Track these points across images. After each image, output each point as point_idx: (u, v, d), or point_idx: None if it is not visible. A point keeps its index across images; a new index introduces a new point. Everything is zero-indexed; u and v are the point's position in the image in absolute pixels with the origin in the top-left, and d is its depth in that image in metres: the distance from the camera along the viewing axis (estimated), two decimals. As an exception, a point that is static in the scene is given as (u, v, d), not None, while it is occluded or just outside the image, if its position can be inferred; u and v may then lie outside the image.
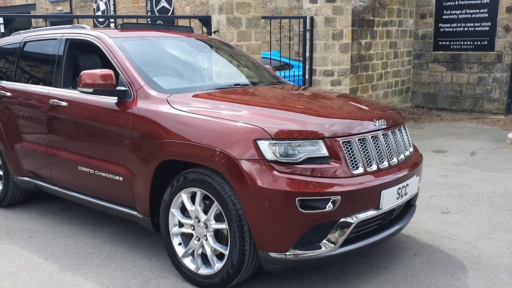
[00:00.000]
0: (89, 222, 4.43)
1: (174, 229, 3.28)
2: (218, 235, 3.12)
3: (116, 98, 3.55)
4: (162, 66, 4.01)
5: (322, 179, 2.82)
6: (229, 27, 7.43)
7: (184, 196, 3.18)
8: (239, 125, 2.93)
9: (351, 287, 3.21)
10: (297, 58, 9.29)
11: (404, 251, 3.76)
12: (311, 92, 4.11)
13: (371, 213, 3.00)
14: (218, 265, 3.07)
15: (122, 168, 3.53)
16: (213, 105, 3.24)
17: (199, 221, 3.14)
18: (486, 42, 10.01)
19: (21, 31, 4.99)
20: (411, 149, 3.57)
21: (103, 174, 3.67)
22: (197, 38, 4.55)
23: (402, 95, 10.71)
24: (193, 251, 3.21)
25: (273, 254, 2.86)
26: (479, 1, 9.97)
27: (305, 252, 2.86)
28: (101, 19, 17.84)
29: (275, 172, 2.79)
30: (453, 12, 10.32)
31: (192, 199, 3.18)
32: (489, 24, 9.94)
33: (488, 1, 9.87)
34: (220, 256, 3.09)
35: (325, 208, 2.79)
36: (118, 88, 3.51)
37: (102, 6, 18.37)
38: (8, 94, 4.55)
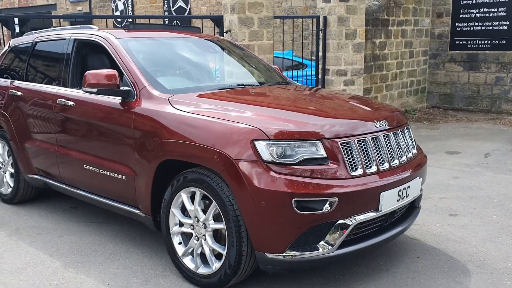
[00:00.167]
0: (96, 220, 4.49)
1: (174, 228, 3.31)
2: (217, 235, 3.13)
3: (120, 98, 3.59)
4: (167, 66, 4.04)
5: (319, 180, 2.81)
6: (241, 27, 7.44)
7: (184, 196, 3.20)
8: (236, 125, 2.93)
9: (351, 289, 3.20)
10: (311, 57, 9.26)
11: (407, 253, 3.72)
12: (314, 92, 4.09)
13: (370, 215, 2.98)
14: (216, 265, 3.08)
15: (125, 167, 3.57)
16: (212, 105, 3.25)
17: (198, 220, 3.16)
18: (504, 42, 9.83)
19: (33, 31, 5.08)
20: (415, 151, 3.53)
21: (107, 172, 3.72)
22: (203, 38, 4.57)
23: (417, 95, 10.59)
24: (193, 250, 3.23)
25: (269, 255, 2.85)
26: (498, 0, 9.79)
27: (302, 253, 2.86)
28: (119, 19, 18.03)
29: (271, 173, 2.78)
30: (471, 11, 10.15)
31: (192, 198, 3.20)
32: (508, 23, 9.76)
33: (507, 0, 9.68)
34: (218, 256, 3.11)
35: (322, 209, 2.78)
36: (122, 88, 3.55)
37: (121, 6, 18.57)
38: (19, 93, 4.64)
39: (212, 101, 3.39)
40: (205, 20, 11.87)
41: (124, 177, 3.59)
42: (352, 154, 2.96)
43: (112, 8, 18.97)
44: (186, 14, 16.01)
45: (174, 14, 16.26)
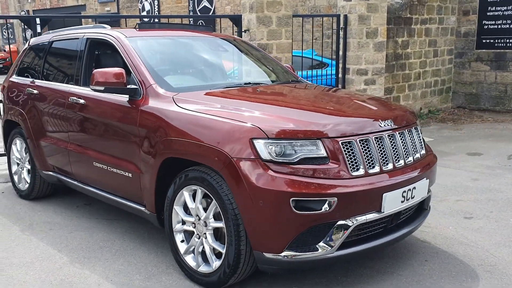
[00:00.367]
0: (107, 216, 4.55)
1: (177, 226, 3.32)
2: (218, 234, 3.12)
3: (127, 96, 3.62)
4: (176, 64, 4.07)
5: (318, 180, 2.77)
6: (259, 26, 7.43)
7: (186, 194, 3.21)
8: (236, 123, 2.92)
9: (353, 291, 3.15)
10: (331, 57, 9.16)
11: (415, 256, 3.63)
12: (323, 91, 4.04)
13: (372, 216, 2.92)
14: (216, 264, 3.07)
15: (131, 164, 3.60)
16: (215, 104, 3.25)
17: (199, 219, 3.16)
18: (533, 40, 9.52)
19: (50, 31, 5.18)
20: (423, 151, 3.44)
21: (115, 170, 3.76)
22: (214, 37, 4.57)
23: (442, 95, 10.36)
24: (194, 248, 3.23)
25: (267, 255, 2.83)
26: (527, -3, 9.50)
27: (300, 253, 2.82)
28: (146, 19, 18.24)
29: (269, 172, 2.76)
30: (498, 8, 9.86)
31: (194, 197, 3.20)
32: (537, 21, 9.45)
33: (536, -3, 9.38)
34: (219, 255, 3.10)
35: (321, 209, 2.74)
36: (128, 86, 3.58)
37: (147, 7, 18.81)
38: (35, 91, 4.74)
39: (216, 99, 3.39)
40: (227, 20, 11.91)
41: (130, 175, 3.62)
42: (354, 154, 2.91)
43: (139, 8, 19.23)
44: (210, 14, 16.10)
45: (198, 14, 16.36)
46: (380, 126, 3.08)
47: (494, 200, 4.91)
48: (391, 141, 3.12)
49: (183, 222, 3.29)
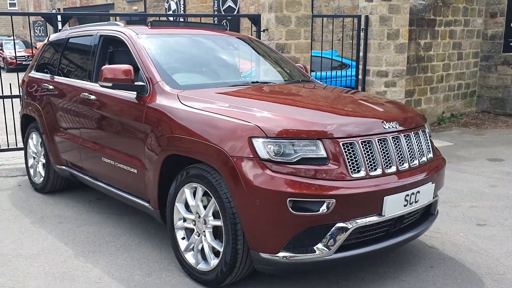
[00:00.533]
0: (117, 211, 4.60)
1: (178, 223, 3.32)
2: (217, 232, 3.11)
3: (135, 93, 3.65)
4: (185, 62, 4.08)
5: (317, 180, 2.73)
6: (277, 26, 7.39)
7: (186, 191, 3.21)
8: (236, 122, 2.91)
9: (353, 295, 3.10)
10: (351, 58, 9.06)
11: (421, 262, 3.55)
12: (329, 91, 3.98)
13: (372, 219, 2.86)
14: (214, 262, 3.07)
15: (136, 160, 3.63)
16: (218, 102, 3.24)
17: (199, 216, 3.15)
18: None
19: (68, 28, 5.27)
20: (430, 155, 3.36)
21: (121, 165, 3.80)
22: (226, 35, 4.57)
23: (466, 99, 10.12)
24: (194, 246, 3.23)
25: (264, 255, 2.81)
26: (557, -1, 9.21)
27: (297, 255, 2.79)
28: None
29: (267, 171, 2.74)
30: (527, 11, 9.59)
31: (195, 194, 3.20)
32: None
33: None
34: (217, 253, 3.09)
35: (319, 211, 2.70)
36: (136, 83, 3.60)
37: (173, 6, 18.99)
38: (51, 87, 4.83)
39: (219, 97, 3.38)
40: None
41: (135, 170, 3.65)
42: (355, 155, 2.86)
43: (165, 8, 19.44)
44: (235, 13, 16.14)
45: (223, 13, 16.43)
46: (384, 127, 3.02)
47: (510, 208, 4.77)
48: (395, 144, 3.05)
49: (184, 219, 3.30)
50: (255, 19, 7.80)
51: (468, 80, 10.08)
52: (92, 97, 4.12)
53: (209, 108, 3.15)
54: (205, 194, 3.12)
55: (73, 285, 3.19)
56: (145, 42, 3.92)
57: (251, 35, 8.28)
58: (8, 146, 6.71)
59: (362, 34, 8.36)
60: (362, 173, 2.85)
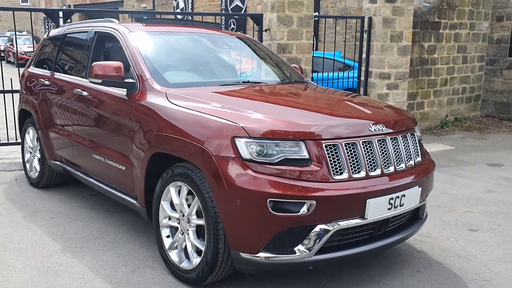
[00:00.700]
0: (109, 208, 4.61)
1: (163, 221, 3.32)
2: (201, 231, 3.10)
3: (125, 90, 3.66)
4: (177, 60, 4.08)
5: (298, 182, 2.72)
6: (279, 26, 7.37)
7: (172, 190, 3.21)
8: (220, 121, 2.90)
9: (335, 297, 3.07)
10: (354, 59, 9.02)
11: (408, 266, 3.52)
12: (319, 92, 3.94)
13: (354, 222, 2.84)
14: (196, 261, 3.06)
15: (125, 157, 3.63)
16: (205, 101, 3.22)
17: (183, 215, 3.15)
18: None
19: (66, 24, 5.29)
20: (419, 158, 3.33)
21: (110, 162, 3.81)
22: (221, 34, 4.56)
23: (470, 103, 10.03)
24: (178, 244, 3.22)
25: (244, 255, 2.80)
26: None
27: (277, 255, 2.77)
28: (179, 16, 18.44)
29: (248, 171, 2.72)
30: (534, 15, 9.49)
31: (180, 193, 3.19)
32: None
33: None
34: (200, 252, 3.08)
35: (299, 212, 2.69)
36: (126, 80, 3.61)
37: (181, 4, 19.01)
38: (47, 82, 4.85)
39: (208, 96, 3.37)
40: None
41: (123, 168, 3.65)
42: (338, 158, 2.84)
43: (174, 6, 19.47)
44: (242, 12, 16.13)
45: (230, 12, 16.43)
46: (370, 130, 3.00)
47: (505, 214, 4.71)
48: (381, 146, 3.03)
49: (169, 218, 3.29)
50: (258, 19, 7.79)
51: (473, 84, 9.99)
52: (85, 93, 4.13)
53: (194, 106, 3.14)
54: (189, 193, 3.11)
55: (56, 280, 3.20)
56: (138, 39, 3.92)
57: (253, 34, 8.27)
58: (8, 141, 6.76)
59: (365, 35, 8.32)
60: (344, 175, 2.83)
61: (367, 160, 2.93)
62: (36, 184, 5.24)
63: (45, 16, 6.55)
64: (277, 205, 2.68)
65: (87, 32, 4.50)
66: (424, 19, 8.64)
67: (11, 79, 6.67)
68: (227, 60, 4.35)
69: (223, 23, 16.41)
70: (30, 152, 5.40)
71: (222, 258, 2.90)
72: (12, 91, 6.48)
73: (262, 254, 2.76)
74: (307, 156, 2.78)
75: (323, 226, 2.76)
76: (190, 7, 18.52)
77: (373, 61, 8.31)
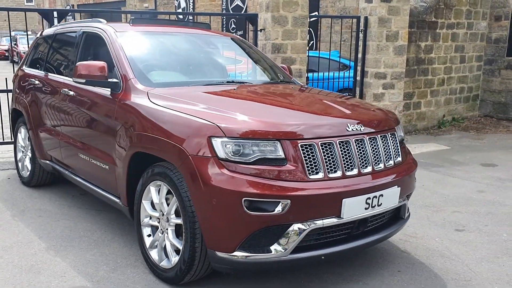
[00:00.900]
0: (97, 207, 4.63)
1: (144, 220, 3.35)
2: (180, 230, 3.12)
3: (109, 89, 3.68)
4: (163, 60, 4.09)
5: (273, 181, 2.73)
6: (274, 26, 7.38)
7: (152, 189, 3.23)
8: (197, 121, 2.91)
9: (313, 297, 3.08)
10: (350, 58, 9.01)
11: (389, 266, 3.52)
12: (302, 92, 3.93)
13: (330, 221, 2.85)
14: (174, 260, 3.08)
15: (108, 157, 3.65)
16: (186, 100, 3.23)
17: (163, 214, 3.17)
18: None
19: (57, 24, 5.33)
20: (399, 158, 3.33)
21: (95, 161, 3.83)
22: (208, 34, 4.57)
23: (468, 103, 10.00)
24: (158, 243, 3.24)
25: (220, 254, 2.81)
26: None
27: (253, 254, 2.78)
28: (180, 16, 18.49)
29: (224, 171, 2.74)
30: (533, 14, 9.45)
31: (160, 192, 3.21)
32: None
33: None
34: (178, 251, 3.10)
35: (274, 211, 2.70)
36: (109, 80, 3.63)
37: (183, 4, 19.06)
38: (36, 82, 4.89)
39: (189, 96, 3.38)
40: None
41: (107, 167, 3.68)
42: (314, 157, 2.85)
43: (175, 5, 19.53)
44: (243, 12, 16.15)
45: (231, 12, 16.45)
46: (347, 130, 3.00)
47: (493, 214, 4.71)
48: (358, 146, 3.03)
49: (150, 217, 3.31)
50: (252, 19, 7.80)
51: (471, 84, 9.96)
52: (71, 93, 4.16)
53: (174, 106, 3.16)
54: (169, 192, 3.13)
55: (37, 278, 3.23)
56: (123, 39, 3.94)
57: (248, 34, 8.28)
58: (3, 140, 6.81)
59: (361, 35, 8.32)
60: (320, 175, 2.84)
61: (344, 160, 2.94)
62: (28, 183, 5.28)
63: (55, 17, 6.57)
64: (252, 204, 2.70)
65: (75, 32, 4.53)
66: (420, 18, 8.62)
67: (6, 78, 6.71)
68: (213, 60, 4.37)
69: (224, 23, 16.44)
70: (22, 151, 5.44)
71: (199, 257, 2.92)
72: (7, 91, 6.52)
73: (237, 253, 2.78)
74: (283, 156, 2.79)
75: (299, 225, 2.77)
76: (192, 7, 18.56)
77: (369, 61, 8.30)
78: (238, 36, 4.96)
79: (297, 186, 2.75)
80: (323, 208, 2.82)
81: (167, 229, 3.15)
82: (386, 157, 3.20)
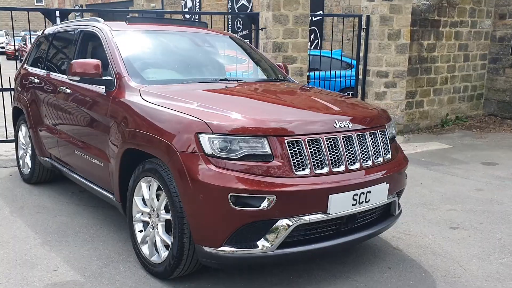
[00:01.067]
0: (94, 203, 4.69)
1: (136, 216, 3.39)
2: (170, 226, 3.16)
3: (104, 87, 3.73)
4: (158, 58, 4.13)
5: (259, 177, 2.76)
6: (275, 24, 7.41)
7: (143, 185, 3.27)
8: (185, 117, 2.95)
9: (301, 292, 3.11)
10: (351, 57, 9.01)
11: (380, 262, 3.54)
12: (294, 90, 3.94)
13: (316, 217, 2.87)
14: (164, 255, 3.12)
15: (102, 153, 3.71)
16: (176, 98, 3.27)
17: (153, 210, 3.21)
18: None
19: (58, 23, 5.39)
20: (389, 156, 3.34)
21: (90, 158, 3.89)
22: (205, 32, 4.61)
23: (472, 102, 9.94)
24: (149, 238, 3.29)
25: (207, 249, 2.85)
26: None
27: (240, 249, 2.82)
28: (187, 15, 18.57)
29: (211, 166, 2.77)
30: (537, 13, 9.37)
31: (150, 188, 3.25)
32: None
33: None
34: (168, 246, 3.13)
35: (260, 206, 2.73)
36: (103, 78, 3.68)
37: (189, 3, 19.13)
38: (36, 80, 4.96)
39: (180, 93, 3.43)
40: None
41: (101, 163, 3.73)
42: (301, 154, 2.87)
43: (182, 5, 19.61)
44: (248, 11, 16.18)
45: (237, 11, 16.49)
46: (335, 126, 3.03)
47: (489, 212, 4.69)
48: (346, 143, 3.05)
49: (142, 213, 3.36)
50: (254, 18, 7.83)
51: (475, 83, 9.90)
52: (68, 90, 4.22)
53: (164, 103, 3.20)
54: (159, 188, 3.17)
55: (30, 272, 3.29)
56: (119, 37, 3.99)
57: (253, 33, 8.31)
58: (6, 138, 6.91)
59: (363, 34, 8.32)
60: (307, 171, 2.86)
61: (331, 156, 2.96)
62: (28, 180, 5.35)
63: (58, 16, 6.64)
64: (238, 200, 2.73)
65: (73, 31, 4.59)
66: (423, 17, 8.59)
67: (9, 77, 6.80)
68: (208, 58, 4.40)
69: (229, 22, 16.48)
70: (23, 149, 5.52)
71: (187, 252, 2.96)
72: (10, 90, 6.60)
73: (224, 248, 2.81)
74: (270, 152, 2.82)
75: (285, 221, 2.80)
76: (198, 6, 18.63)
77: (371, 60, 8.30)
78: (234, 35, 4.99)
79: (283, 182, 2.77)
80: (309, 204, 2.85)
81: (157, 224, 3.19)
82: (375, 154, 3.22)
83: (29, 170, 5.34)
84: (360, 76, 8.47)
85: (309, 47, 7.79)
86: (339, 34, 12.85)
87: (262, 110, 3.21)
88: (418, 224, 4.33)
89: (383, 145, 3.32)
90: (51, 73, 4.76)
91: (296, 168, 2.84)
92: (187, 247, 2.94)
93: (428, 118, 9.14)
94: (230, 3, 17.03)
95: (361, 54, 8.40)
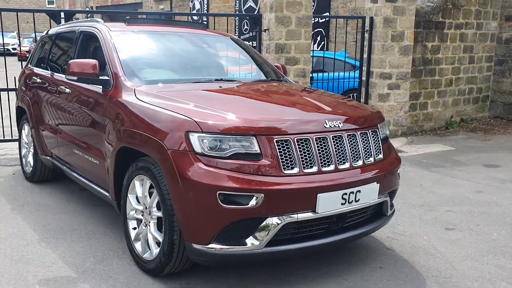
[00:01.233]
0: (94, 202, 4.75)
1: (130, 213, 3.44)
2: (162, 223, 3.20)
3: (101, 86, 3.79)
4: (155, 59, 4.18)
5: (247, 175, 2.80)
6: (277, 26, 7.44)
7: (136, 183, 3.32)
8: (176, 116, 2.99)
9: (291, 290, 3.13)
10: (355, 59, 9.01)
11: (372, 262, 3.55)
12: (288, 90, 3.96)
13: (305, 215, 2.90)
14: (155, 252, 3.16)
15: (99, 152, 3.77)
16: (169, 97, 3.32)
17: (146, 207, 3.26)
18: None
19: (60, 24, 5.47)
20: (380, 155, 3.36)
21: (87, 156, 3.95)
22: (203, 33, 4.65)
23: (477, 104, 9.89)
24: (141, 235, 3.33)
25: (196, 246, 2.88)
26: None
27: (228, 247, 2.85)
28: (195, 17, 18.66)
29: (200, 165, 2.81)
30: (544, 14, 9.30)
31: (143, 186, 3.29)
32: None
33: None
34: (160, 244, 3.18)
35: (248, 204, 2.76)
36: (100, 77, 3.73)
37: (197, 5, 19.24)
38: (38, 80, 5.04)
39: (174, 92, 3.48)
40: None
41: (98, 162, 3.79)
42: (290, 153, 2.90)
43: (190, 7, 19.73)
44: (255, 13, 16.23)
45: (244, 13, 16.56)
46: (324, 126, 3.05)
47: (487, 214, 4.68)
48: (336, 142, 3.07)
49: (136, 210, 3.40)
50: (257, 19, 7.87)
51: (480, 85, 9.84)
52: (67, 90, 4.29)
53: (156, 102, 3.25)
54: (152, 186, 3.21)
55: (25, 268, 3.35)
56: (117, 38, 4.05)
57: (254, 34, 8.35)
58: (12, 137, 7.01)
59: (367, 35, 8.32)
60: (295, 170, 2.89)
61: (320, 156, 2.99)
62: (30, 178, 5.43)
63: (63, 17, 6.73)
64: (226, 198, 2.76)
65: (74, 31, 4.66)
66: (427, 19, 8.58)
67: (14, 77, 6.90)
68: (205, 59, 4.45)
69: (237, 23, 16.55)
70: (26, 148, 5.60)
71: (177, 249, 3.00)
72: (15, 89, 6.70)
73: (213, 245, 2.85)
74: (258, 151, 2.85)
75: (274, 219, 2.83)
76: (206, 8, 18.73)
77: (374, 61, 8.30)
78: (233, 36, 5.03)
79: (271, 181, 2.80)
80: (298, 202, 2.87)
81: (149, 222, 3.23)
82: (366, 154, 3.23)
83: (31, 168, 5.42)
84: (364, 78, 8.47)
85: (316, 49, 7.81)
86: (344, 36, 12.84)
87: (252, 109, 3.25)
88: (413, 225, 4.33)
89: (375, 145, 3.34)
90: (52, 73, 4.83)
91: (285, 167, 2.87)
92: (177, 244, 2.98)
93: (432, 120, 9.11)
94: (237, 4, 17.10)
95: (365, 55, 8.40)
